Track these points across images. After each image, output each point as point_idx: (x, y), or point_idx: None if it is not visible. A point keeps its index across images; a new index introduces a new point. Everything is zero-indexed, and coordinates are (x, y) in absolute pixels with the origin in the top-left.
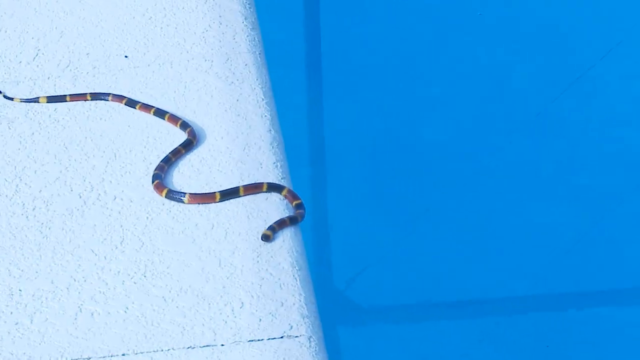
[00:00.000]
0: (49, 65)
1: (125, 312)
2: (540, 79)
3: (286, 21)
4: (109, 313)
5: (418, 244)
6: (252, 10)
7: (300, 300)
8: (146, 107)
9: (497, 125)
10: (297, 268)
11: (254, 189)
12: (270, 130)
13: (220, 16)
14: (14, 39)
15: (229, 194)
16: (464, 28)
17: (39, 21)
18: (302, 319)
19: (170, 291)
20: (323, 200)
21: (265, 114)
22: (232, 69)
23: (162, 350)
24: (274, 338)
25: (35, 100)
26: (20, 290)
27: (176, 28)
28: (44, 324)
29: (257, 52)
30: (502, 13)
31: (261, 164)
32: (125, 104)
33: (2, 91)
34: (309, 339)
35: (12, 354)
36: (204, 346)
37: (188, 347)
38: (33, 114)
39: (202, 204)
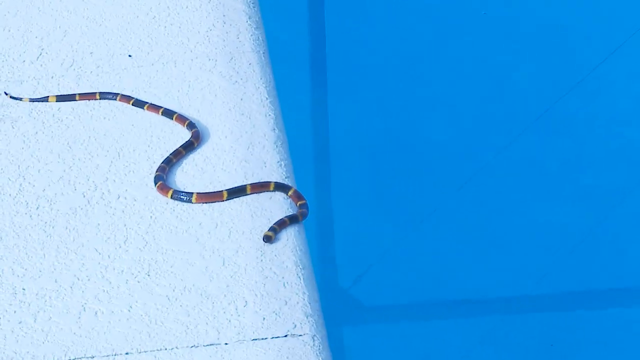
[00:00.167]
0: (53, 64)
1: (129, 311)
2: (542, 78)
3: (290, 20)
4: (112, 312)
5: (421, 242)
6: (256, 9)
7: (304, 299)
8: (154, 108)
9: (501, 125)
10: (300, 267)
11: (261, 187)
12: (274, 129)
13: (224, 15)
14: (18, 38)
15: (236, 192)
16: (466, 28)
17: (43, 20)
18: (306, 317)
19: (174, 290)
20: (326, 199)
21: (269, 113)
22: (236, 68)
23: (165, 349)
24: (278, 337)
25: (45, 99)
26: (23, 289)
27: (180, 27)
28: (47, 323)
29: (261, 51)
30: (503, 12)
31: (265, 163)
32: (132, 105)
33: (7, 92)
34: (312, 337)
35: (15, 353)
36: (207, 345)
37: (192, 346)
38: (37, 113)
39: (209, 202)
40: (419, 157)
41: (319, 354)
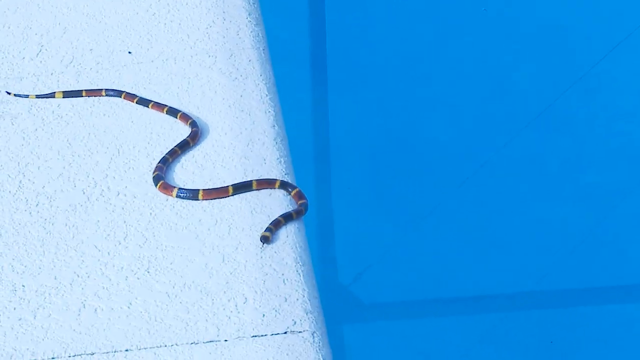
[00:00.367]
0: (53, 61)
1: (128, 307)
2: (542, 78)
3: (290, 17)
4: (112, 309)
5: (422, 240)
6: (256, 6)
7: (303, 296)
8: (159, 106)
9: (501, 125)
10: (300, 263)
11: (267, 184)
12: (274, 125)
13: (224, 12)
14: (18, 35)
15: (241, 187)
16: (466, 28)
17: (43, 17)
18: (306, 314)
19: (173, 287)
20: (326, 196)
21: (269, 110)
22: (236, 65)
23: (165, 346)
24: (278, 333)
25: (51, 95)
26: (23, 285)
27: (180, 24)
28: (47, 320)
29: (261, 48)
30: (504, 11)
31: (265, 160)
32: (136, 103)
33: (9, 92)
34: (312, 334)
35: (15, 350)
36: (207, 342)
37: (191, 343)
38: (36, 110)
39: (215, 198)
40: (419, 156)
41: (318, 351)
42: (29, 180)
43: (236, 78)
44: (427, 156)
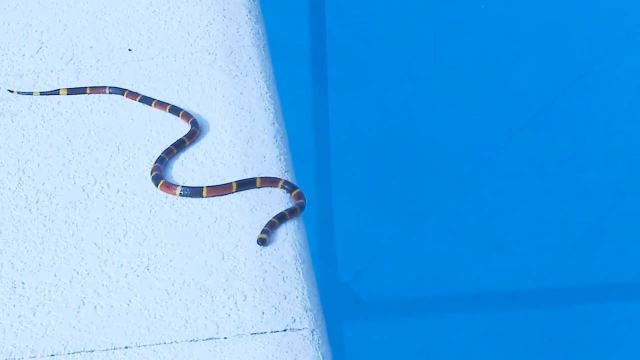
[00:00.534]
0: (53, 58)
1: (128, 305)
2: (542, 78)
3: (290, 14)
4: (111, 306)
5: (422, 238)
6: (256, 3)
7: (303, 294)
8: (161, 105)
9: (501, 124)
10: (300, 261)
11: (270, 183)
12: (273, 123)
13: (224, 9)
14: (18, 32)
15: (245, 184)
16: (466, 27)
17: (43, 14)
18: (305, 312)
19: (173, 284)
20: (326, 194)
21: (269, 107)
22: (236, 62)
23: (165, 343)
24: (277, 331)
25: (56, 92)
26: (23, 283)
27: (180, 21)
28: (46, 317)
29: (261, 46)
30: (503, 11)
31: (264, 157)
32: (139, 101)
33: (12, 90)
34: (312, 332)
35: (14, 347)
36: (206, 339)
37: (191, 340)
38: (36, 107)
39: (219, 195)
40: (419, 154)
41: (318, 349)
42: (28, 177)
43: (236, 75)
44: (427, 154)
